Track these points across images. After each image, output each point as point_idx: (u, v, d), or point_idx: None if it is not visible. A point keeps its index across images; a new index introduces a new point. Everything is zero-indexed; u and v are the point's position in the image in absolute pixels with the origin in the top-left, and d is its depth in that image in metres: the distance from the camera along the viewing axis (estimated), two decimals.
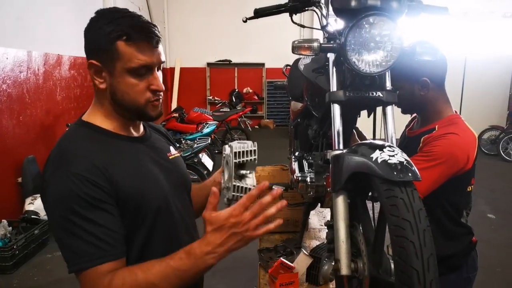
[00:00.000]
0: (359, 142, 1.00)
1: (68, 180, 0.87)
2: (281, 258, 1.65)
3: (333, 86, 1.10)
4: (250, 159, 1.06)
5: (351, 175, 0.93)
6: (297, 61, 1.69)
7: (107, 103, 0.99)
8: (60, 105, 5.01)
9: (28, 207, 3.88)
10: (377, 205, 1.03)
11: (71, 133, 0.99)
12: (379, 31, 0.98)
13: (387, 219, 0.82)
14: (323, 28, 1.17)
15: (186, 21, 9.89)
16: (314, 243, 2.00)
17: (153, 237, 0.99)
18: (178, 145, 4.59)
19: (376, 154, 0.87)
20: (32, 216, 3.80)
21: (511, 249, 3.74)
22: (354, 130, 1.58)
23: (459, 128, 1.43)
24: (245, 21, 1.30)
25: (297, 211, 2.12)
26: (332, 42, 1.08)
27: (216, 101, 9.87)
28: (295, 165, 1.62)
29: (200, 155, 4.85)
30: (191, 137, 5.35)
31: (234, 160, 1.05)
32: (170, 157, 1.14)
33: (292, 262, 1.63)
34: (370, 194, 1.07)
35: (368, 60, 1.00)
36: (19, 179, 4.06)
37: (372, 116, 1.22)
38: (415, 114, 1.65)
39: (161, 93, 1.01)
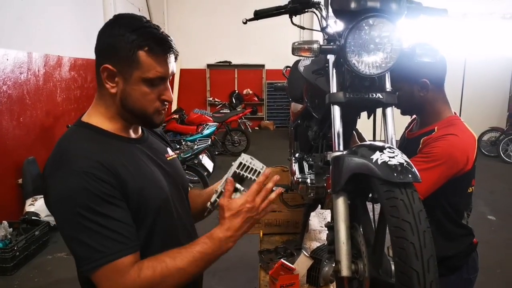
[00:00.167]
0: (359, 143, 1.00)
1: (77, 178, 0.87)
2: (282, 260, 1.65)
3: (333, 88, 1.10)
4: (252, 178, 1.06)
5: (351, 176, 0.93)
6: (297, 62, 1.69)
7: (113, 107, 1.00)
8: (60, 106, 5.02)
9: (29, 208, 3.88)
10: (377, 207, 1.03)
11: (72, 134, 0.99)
12: (379, 33, 0.98)
13: (387, 220, 0.82)
14: (323, 29, 1.17)
15: (186, 22, 9.90)
16: (315, 244, 2.00)
17: (153, 238, 1.00)
18: (178, 146, 4.61)
19: (376, 156, 0.87)
20: (33, 218, 3.81)
21: (511, 250, 3.74)
22: (354, 132, 1.59)
23: (458, 129, 1.43)
24: (245, 23, 1.30)
25: (298, 213, 2.12)
26: (332, 43, 1.09)
27: (216, 103, 9.88)
28: (295, 167, 1.62)
29: (200, 156, 4.85)
30: (191, 138, 5.35)
31: (235, 169, 1.06)
32: (168, 158, 1.16)
33: (292, 264, 1.63)
34: (370, 195, 1.08)
35: (367, 62, 1.00)
36: (20, 181, 4.06)
37: (372, 117, 1.22)
38: (414, 116, 1.65)
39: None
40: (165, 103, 1.02)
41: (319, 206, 1.96)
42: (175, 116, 7.23)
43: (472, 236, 1.54)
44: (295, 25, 1.21)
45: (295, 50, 1.06)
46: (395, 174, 0.83)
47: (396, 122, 1.10)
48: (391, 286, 0.92)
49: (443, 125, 1.46)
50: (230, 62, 10.23)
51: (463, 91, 8.77)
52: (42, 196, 4.01)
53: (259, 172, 1.06)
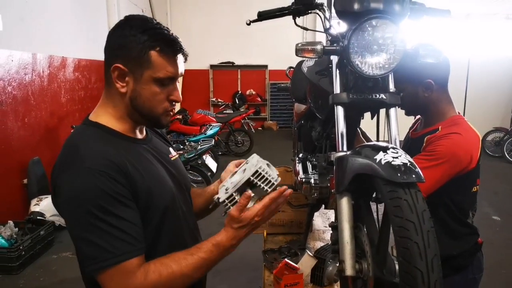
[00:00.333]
0: (363, 143, 1.00)
1: (91, 177, 0.88)
2: (286, 259, 1.66)
3: (337, 88, 1.10)
4: (264, 188, 1.03)
5: (354, 176, 0.94)
6: (300, 63, 1.70)
7: (121, 106, 1.01)
8: (64, 107, 5.05)
9: (34, 208, 3.91)
10: (381, 207, 1.03)
11: (82, 132, 0.99)
12: (382, 34, 0.99)
13: (391, 220, 0.83)
14: (326, 30, 1.18)
15: (189, 23, 9.92)
16: (318, 244, 2.01)
17: (160, 238, 1.01)
18: (181, 146, 4.62)
19: (380, 156, 0.88)
20: (38, 217, 3.83)
21: None
22: (358, 130, 1.59)
23: (462, 128, 1.43)
24: (248, 24, 1.31)
25: (301, 213, 2.13)
26: (335, 44, 1.09)
27: (220, 103, 9.89)
28: (299, 167, 1.63)
29: (204, 156, 4.86)
30: (194, 139, 5.37)
31: (250, 177, 1.02)
32: (172, 159, 1.17)
33: (296, 263, 1.63)
34: (373, 195, 1.08)
35: (371, 63, 1.01)
36: (25, 181, 4.09)
37: (375, 118, 1.23)
38: (418, 116, 1.66)
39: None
40: (174, 103, 1.04)
41: (323, 206, 1.96)
42: (178, 116, 7.26)
43: (477, 235, 1.54)
44: (299, 26, 1.22)
45: (299, 51, 1.07)
46: (398, 174, 0.83)
47: (399, 122, 1.10)
48: (395, 286, 0.93)
49: (447, 124, 1.46)
50: (233, 63, 10.24)
51: (467, 91, 8.74)
52: (47, 196, 4.05)
53: (273, 184, 1.03)
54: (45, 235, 3.66)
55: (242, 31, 9.47)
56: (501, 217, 4.52)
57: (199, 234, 1.21)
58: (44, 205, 3.92)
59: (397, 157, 0.87)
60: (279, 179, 1.04)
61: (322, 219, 2.37)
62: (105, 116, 1.02)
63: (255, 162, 1.04)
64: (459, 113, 1.53)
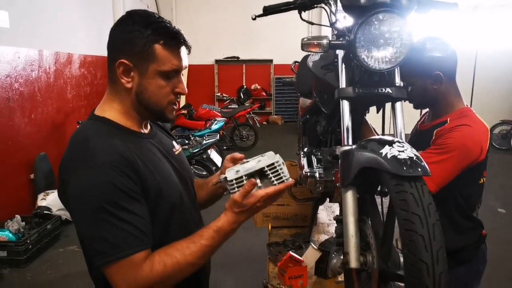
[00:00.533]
0: (369, 137, 1.01)
1: (103, 172, 0.88)
2: (290, 252, 1.67)
3: (342, 83, 1.11)
4: (273, 181, 1.03)
5: (360, 170, 0.94)
6: (305, 57, 1.70)
7: (127, 101, 1.01)
8: (70, 103, 5.08)
9: (41, 202, 3.95)
10: (386, 200, 1.04)
11: (89, 127, 1.00)
12: (389, 28, 0.99)
13: (396, 213, 0.83)
14: (332, 25, 1.18)
15: (194, 19, 9.90)
16: (323, 237, 2.02)
17: (169, 233, 1.02)
18: (187, 141, 4.63)
19: (386, 150, 0.88)
20: (45, 212, 3.87)
21: None
22: (366, 121, 1.58)
23: (471, 120, 1.43)
24: (254, 19, 1.31)
25: (306, 206, 2.14)
26: (341, 39, 1.09)
27: (224, 98, 9.88)
28: (304, 161, 1.64)
29: (209, 151, 4.88)
30: (199, 133, 5.38)
31: (265, 166, 1.03)
32: (176, 152, 1.18)
33: (301, 256, 1.65)
34: (378, 189, 1.09)
35: (377, 57, 1.01)
36: (31, 176, 4.13)
37: (381, 112, 1.23)
38: (426, 110, 1.65)
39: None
40: (179, 96, 1.04)
41: (328, 199, 1.97)
42: (183, 111, 7.27)
43: (482, 228, 1.54)
44: (304, 20, 1.22)
45: (305, 45, 1.07)
46: (404, 168, 0.84)
47: (405, 116, 1.10)
48: (400, 278, 0.94)
49: (455, 116, 1.46)
50: (238, 58, 10.22)
51: (474, 84, 8.66)
52: (53, 191, 4.09)
53: (283, 181, 1.03)
54: (51, 229, 3.70)
55: (247, 26, 9.45)
56: (506, 209, 4.50)
57: (203, 226, 1.22)
58: (50, 200, 3.97)
59: (403, 151, 0.88)
60: (291, 180, 1.04)
61: (326, 213, 2.38)
62: (111, 111, 1.02)
63: (273, 155, 1.06)
64: (467, 105, 1.52)
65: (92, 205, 0.88)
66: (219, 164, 4.97)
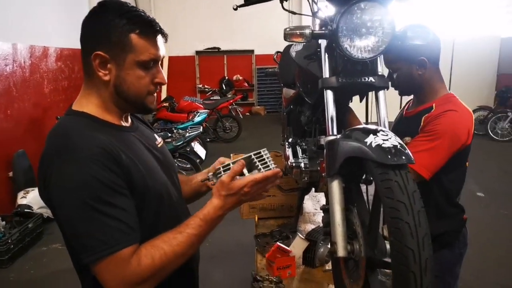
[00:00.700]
0: (353, 127, 1.01)
1: (85, 166, 0.86)
2: (278, 243, 1.68)
3: (326, 73, 1.11)
4: (261, 170, 1.04)
5: (345, 159, 0.95)
6: (288, 47, 1.69)
7: (106, 94, 0.99)
8: (48, 98, 4.94)
9: (21, 201, 3.86)
10: (370, 188, 1.05)
11: (68, 122, 0.97)
12: (370, 17, 0.99)
13: (382, 201, 0.84)
14: (314, 14, 1.17)
15: (173, 9, 9.74)
16: (309, 227, 2.04)
17: (158, 226, 1.00)
18: (169, 134, 4.58)
19: (370, 139, 0.89)
20: (26, 210, 3.79)
21: (500, 226, 3.84)
22: (351, 109, 1.59)
23: (456, 105, 1.46)
24: (235, 9, 1.29)
25: (292, 197, 2.15)
26: (323, 28, 1.09)
27: (206, 89, 9.80)
28: (289, 152, 1.64)
29: (193, 144, 4.84)
30: (182, 126, 5.33)
31: (252, 155, 1.06)
32: (159, 145, 1.16)
33: (288, 246, 1.66)
34: (363, 177, 1.10)
35: (360, 46, 1.01)
36: (10, 174, 4.02)
37: (364, 101, 1.24)
38: (410, 98, 1.67)
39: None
40: (158, 86, 1.03)
41: (313, 189, 1.99)
42: (165, 104, 7.17)
43: (463, 212, 1.59)
44: (286, 10, 1.20)
45: (287, 35, 1.06)
46: (389, 157, 0.84)
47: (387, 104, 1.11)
48: (386, 265, 0.95)
49: (440, 102, 1.48)
50: (219, 48, 10.13)
51: (452, 71, 8.83)
52: (33, 188, 3.99)
53: (270, 169, 1.05)
54: (33, 227, 3.63)
55: (227, 16, 9.36)
56: (485, 194, 4.64)
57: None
58: (31, 198, 3.87)
59: (387, 140, 0.88)
60: (278, 170, 1.05)
61: (312, 202, 2.40)
62: (89, 105, 0.99)
63: (262, 151, 1.08)
64: (450, 91, 1.55)
65: (75, 201, 0.85)
66: (203, 157, 4.95)
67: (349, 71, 1.08)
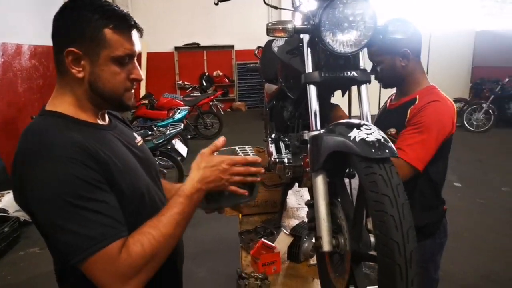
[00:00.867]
0: (337, 121, 1.01)
1: (61, 165, 0.83)
2: (262, 239, 1.68)
3: (308, 67, 1.10)
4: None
5: (329, 154, 0.95)
6: (270, 42, 1.68)
7: (80, 92, 0.96)
8: (22, 97, 4.79)
9: None
10: (353, 181, 1.06)
11: (41, 122, 0.93)
12: (352, 11, 0.99)
13: (366, 195, 0.84)
14: (296, 8, 1.16)
15: (151, 5, 9.57)
16: (293, 222, 2.04)
17: (139, 224, 0.97)
18: (150, 132, 4.51)
19: (354, 133, 0.89)
20: (1, 214, 3.66)
21: (477, 215, 3.95)
22: (338, 105, 1.59)
23: (439, 96, 1.50)
24: (216, 4, 1.27)
25: (275, 192, 2.15)
26: (306, 23, 1.08)
27: (186, 86, 9.70)
28: (272, 147, 1.64)
29: (174, 141, 4.77)
30: (163, 123, 5.25)
31: (237, 148, 1.08)
32: (139, 144, 1.14)
33: (273, 242, 1.66)
34: (346, 171, 1.10)
35: (342, 40, 1.01)
36: None
37: (346, 95, 1.24)
38: (392, 92, 1.69)
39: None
40: (135, 82, 1.00)
41: (296, 184, 1.99)
42: (144, 101, 7.06)
43: (444, 204, 1.63)
44: (268, 4, 1.19)
45: (270, 30, 1.05)
46: (373, 150, 0.85)
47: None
48: (371, 258, 0.96)
49: (424, 93, 1.52)
50: (198, 44, 10.03)
51: (429, 64, 9.02)
52: (8, 191, 3.86)
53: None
54: (9, 231, 3.51)
55: (206, 12, 9.27)
56: (462, 183, 4.76)
57: None
58: (6, 201, 3.74)
59: (370, 133, 0.89)
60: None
61: (295, 197, 2.41)
62: (63, 105, 0.96)
63: (237, 148, 1.10)
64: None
65: (55, 201, 0.83)
66: (184, 154, 4.89)
67: (331, 66, 1.08)
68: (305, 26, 1.06)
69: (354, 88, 1.17)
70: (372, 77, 1.32)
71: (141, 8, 9.40)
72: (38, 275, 3.06)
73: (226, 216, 2.24)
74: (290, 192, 2.29)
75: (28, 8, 4.96)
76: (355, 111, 1.21)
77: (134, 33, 0.96)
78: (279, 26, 1.04)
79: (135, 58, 0.99)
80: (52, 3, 5.46)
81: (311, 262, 1.65)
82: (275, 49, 1.46)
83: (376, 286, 0.83)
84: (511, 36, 8.54)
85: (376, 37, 1.03)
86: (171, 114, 5.98)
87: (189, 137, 6.65)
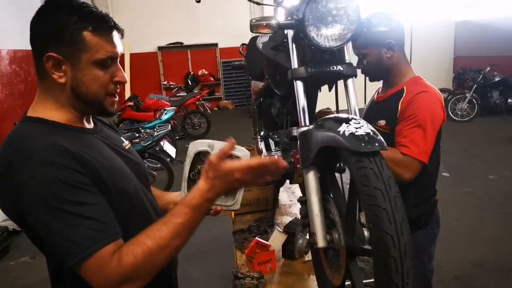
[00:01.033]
0: (325, 116, 1.01)
1: (45, 169, 0.81)
2: (256, 238, 1.67)
3: (294, 63, 1.10)
4: (208, 152, 1.00)
5: (319, 150, 0.94)
6: (254, 39, 1.67)
7: (62, 98, 0.93)
8: (4, 103, 4.69)
9: None
10: (344, 176, 1.05)
11: (23, 129, 0.91)
12: (336, 4, 0.99)
13: (358, 189, 0.84)
14: (279, 4, 1.15)
15: (132, 4, 9.45)
16: (286, 219, 2.04)
17: (130, 225, 0.95)
18: (137, 134, 4.46)
19: (343, 128, 0.89)
20: None
21: (465, 204, 4.01)
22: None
23: (426, 86, 1.51)
24: (198, 1, 1.25)
25: (267, 190, 2.14)
26: (289, 18, 1.07)
27: (172, 86, 9.62)
28: (261, 145, 1.63)
29: (162, 142, 4.73)
30: (150, 125, 5.19)
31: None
32: (126, 147, 1.12)
33: (267, 240, 1.65)
34: (337, 166, 1.10)
35: (326, 35, 1.01)
36: None
37: (333, 90, 1.24)
38: (379, 86, 1.70)
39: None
40: (118, 85, 0.97)
41: (287, 181, 1.98)
42: (130, 103, 6.97)
43: (435, 195, 1.64)
44: (250, 0, 1.18)
45: (254, 27, 1.04)
46: (363, 144, 0.85)
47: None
48: (366, 252, 0.96)
49: (410, 84, 1.53)
50: (182, 43, 9.94)
51: (412, 56, 9.11)
52: None
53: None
54: None
55: (188, 10, 9.20)
56: (449, 173, 4.83)
57: None
58: None
59: (359, 127, 0.89)
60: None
61: (287, 194, 2.41)
62: (45, 111, 0.94)
63: (190, 147, 1.06)
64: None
65: (42, 206, 0.80)
66: (173, 155, 4.85)
67: (317, 61, 1.07)
68: (289, 22, 1.05)
69: (340, 83, 1.16)
70: (358, 71, 1.32)
71: (121, 8, 9.27)
72: (31, 283, 3.01)
73: (218, 216, 2.23)
74: (281, 189, 2.29)
75: (6, 12, 4.85)
76: (342, 105, 1.21)
77: (115, 34, 0.93)
78: (263, 22, 1.03)
79: (118, 60, 0.96)
80: (30, 5, 5.37)
81: (306, 258, 1.66)
82: (260, 45, 1.45)
83: (372, 280, 0.83)
84: (490, 25, 8.66)
85: (360, 30, 1.03)
86: (157, 115, 5.92)
87: (177, 137, 6.60)
